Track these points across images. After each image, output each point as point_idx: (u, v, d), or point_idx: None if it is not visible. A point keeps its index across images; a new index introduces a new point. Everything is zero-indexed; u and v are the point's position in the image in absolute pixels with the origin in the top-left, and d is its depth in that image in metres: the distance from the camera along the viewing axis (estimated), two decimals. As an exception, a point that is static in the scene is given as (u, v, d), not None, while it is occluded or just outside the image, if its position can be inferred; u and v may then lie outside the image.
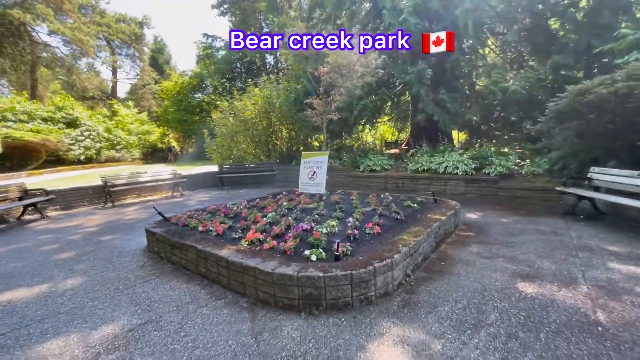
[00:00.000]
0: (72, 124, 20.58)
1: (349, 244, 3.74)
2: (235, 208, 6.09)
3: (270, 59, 32.12)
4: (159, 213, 5.53)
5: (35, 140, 16.35)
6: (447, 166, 9.40)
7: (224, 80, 32.18)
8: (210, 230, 4.57)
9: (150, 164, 26.88)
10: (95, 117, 23.88)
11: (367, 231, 4.22)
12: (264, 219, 4.95)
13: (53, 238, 6.01)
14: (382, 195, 6.90)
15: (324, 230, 4.22)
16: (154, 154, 31.42)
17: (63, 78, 29.24)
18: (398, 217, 4.88)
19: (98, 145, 22.45)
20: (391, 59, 11.70)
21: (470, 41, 11.85)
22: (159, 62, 44.70)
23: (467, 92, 12.05)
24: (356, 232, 4.12)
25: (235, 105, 14.15)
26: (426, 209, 5.55)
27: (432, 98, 10.80)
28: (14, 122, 17.60)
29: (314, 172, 6.01)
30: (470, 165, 9.11)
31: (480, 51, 12.44)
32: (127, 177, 9.90)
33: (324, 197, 6.81)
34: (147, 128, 30.40)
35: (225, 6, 30.01)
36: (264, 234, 4.27)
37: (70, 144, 19.40)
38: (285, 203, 6.01)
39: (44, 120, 19.17)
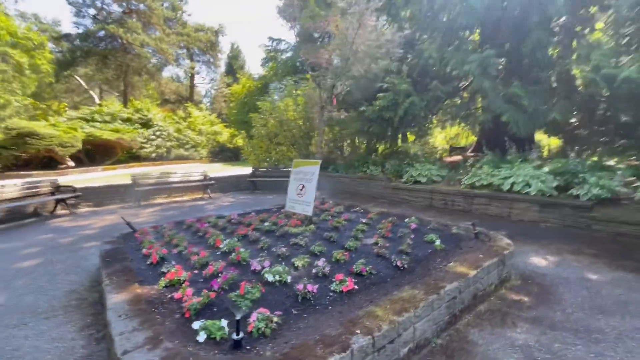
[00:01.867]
0: (146, 124, 22.83)
1: (284, 312, 2.36)
2: (219, 222, 5.13)
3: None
4: (128, 224, 4.87)
5: (111, 139, 18.35)
6: (514, 182, 7.03)
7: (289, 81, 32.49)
8: (148, 256, 3.64)
9: (217, 163, 28.42)
10: (168, 118, 26.20)
11: (334, 287, 2.76)
12: (222, 245, 3.83)
13: (48, 239, 5.88)
14: (406, 220, 5.22)
15: (271, 278, 2.90)
16: (221, 153, 33.37)
17: (148, 84, 33.08)
18: (398, 263, 3.26)
19: (168, 144, 24.48)
20: (448, 44, 9.54)
21: (564, 17, 8.99)
22: (234, 67, 47.91)
23: (554, 84, 9.17)
24: (315, 287, 2.70)
25: (278, 106, 13.52)
26: (455, 251, 3.75)
27: (501, 93, 8.39)
28: (100, 122, 20.10)
29: (303, 187, 4.68)
30: (549, 183, 6.62)
31: (578, 29, 9.38)
32: (156, 177, 9.90)
33: (327, 217, 5.41)
34: (216, 129, 32.42)
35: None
36: (193, 271, 3.15)
37: (142, 143, 21.48)
38: (267, 224, 4.81)
39: (124, 121, 21.61)
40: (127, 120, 21.86)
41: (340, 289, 2.72)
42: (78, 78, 33.60)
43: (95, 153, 19.10)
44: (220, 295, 2.69)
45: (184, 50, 35.05)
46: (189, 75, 37.47)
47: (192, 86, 37.87)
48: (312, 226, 4.60)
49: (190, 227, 5.02)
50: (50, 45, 29.66)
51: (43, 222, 7.32)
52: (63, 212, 8.31)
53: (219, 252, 3.78)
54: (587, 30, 9.74)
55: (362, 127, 11.11)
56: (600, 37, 9.97)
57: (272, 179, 11.90)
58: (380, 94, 9.83)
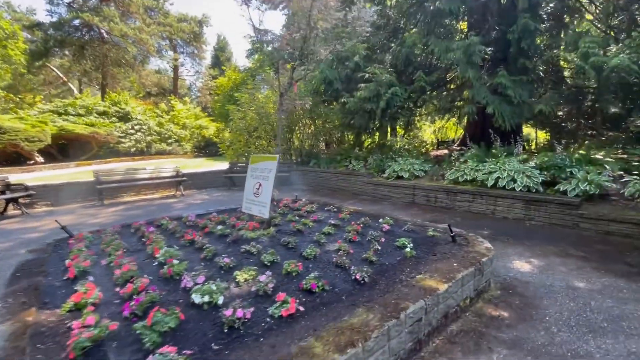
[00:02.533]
0: (124, 118, 21.82)
1: (200, 349, 1.84)
2: (170, 225, 4.57)
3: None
4: (63, 228, 4.28)
5: (85, 133, 17.41)
6: (499, 177, 6.63)
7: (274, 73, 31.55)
8: (67, 270, 3.07)
9: (201, 158, 27.56)
10: (149, 111, 25.17)
11: (272, 310, 2.26)
12: (159, 255, 3.28)
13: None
14: (380, 220, 4.74)
15: (199, 299, 2.38)
16: (207, 148, 32.41)
17: (127, 76, 31.79)
18: (357, 276, 2.77)
19: (148, 138, 23.51)
20: (429, 33, 9.03)
21: (552, 4, 8.58)
22: (220, 59, 46.59)
23: (542, 74, 8.78)
24: (248, 311, 2.20)
25: (257, 98, 12.86)
26: (427, 259, 3.29)
27: (487, 83, 7.95)
28: (74, 115, 19.09)
29: (260, 185, 4.14)
30: (535, 178, 6.23)
31: (567, 19, 8.99)
32: (122, 173, 9.22)
33: (294, 217, 4.89)
34: (201, 123, 31.42)
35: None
36: (114, 289, 2.61)
37: (120, 137, 20.51)
38: (220, 227, 4.27)
39: (100, 114, 20.59)
40: (103, 113, 20.83)
41: (280, 313, 2.21)
42: (55, 69, 32.12)
43: (69, 148, 18.14)
44: (132, 323, 2.16)
45: (167, 42, 33.73)
46: (172, 67, 36.19)
47: (175, 79, 36.62)
48: (270, 230, 4.07)
49: (137, 231, 4.45)
50: (25, 35, 28.19)
51: (-12, 225, 6.64)
52: (15, 212, 7.61)
53: (155, 263, 3.25)
54: (576, 21, 9.37)
55: (344, 120, 10.61)
56: (590, 27, 9.63)
57: (251, 174, 11.30)
58: (362, 85, 9.31)
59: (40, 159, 15.66)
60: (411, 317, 2.28)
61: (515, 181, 6.39)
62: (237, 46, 77.36)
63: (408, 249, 3.40)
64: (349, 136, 13.44)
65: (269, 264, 3.11)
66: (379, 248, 3.52)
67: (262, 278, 2.63)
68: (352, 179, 9.72)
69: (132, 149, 21.92)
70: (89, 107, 20.27)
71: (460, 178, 7.36)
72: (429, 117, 15.90)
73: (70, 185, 8.91)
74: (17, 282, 2.90)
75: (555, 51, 9.17)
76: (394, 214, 6.54)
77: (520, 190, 6.24)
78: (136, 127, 22.29)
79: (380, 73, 9.12)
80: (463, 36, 9.73)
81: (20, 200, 7.67)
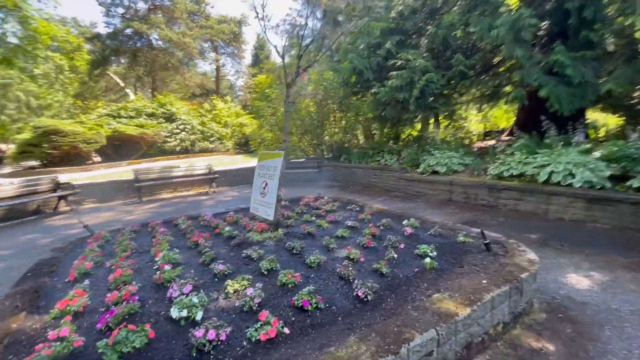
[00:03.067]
0: (170, 118, 23.18)
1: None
2: (182, 225, 4.52)
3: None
4: (85, 227, 4.41)
5: (134, 134, 18.77)
6: (553, 171, 5.67)
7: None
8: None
9: (241, 154, 28.45)
10: (193, 111, 26.47)
11: (251, 332, 1.96)
12: (158, 259, 3.17)
13: (28, 240, 5.69)
14: (404, 222, 4.22)
15: (176, 314, 2.17)
16: (247, 145, 33.43)
17: (173, 79, 33.78)
18: (359, 292, 2.37)
19: (192, 137, 24.77)
20: (470, 10, 8.03)
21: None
22: (259, 57, 47.68)
23: (611, 48, 7.38)
24: (224, 332, 1.93)
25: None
26: (451, 272, 2.77)
27: (540, 62, 6.87)
28: (126, 118, 20.69)
29: (266, 184, 3.87)
30: (600, 172, 5.21)
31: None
32: (158, 172, 9.64)
33: (310, 217, 4.58)
34: (242, 120, 32.43)
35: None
36: (105, 295, 2.50)
37: (166, 137, 21.86)
38: (228, 228, 4.08)
39: (148, 116, 22.10)
40: (152, 115, 22.33)
41: (258, 337, 1.91)
42: (114, 76, 35.22)
43: (122, 148, 19.72)
44: (106, 337, 2.01)
45: (208, 44, 35.21)
46: (215, 68, 37.75)
47: (217, 79, 38.18)
48: (278, 232, 3.79)
49: (152, 231, 4.45)
50: (88, 46, 31.26)
51: (40, 221, 7.27)
52: (65, 209, 8.28)
53: (155, 267, 3.14)
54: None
55: (376, 112, 10.01)
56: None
57: (286, 170, 11.18)
58: (393, 73, 8.63)
59: (97, 158, 17.18)
60: (417, 351, 1.83)
61: (573, 176, 5.40)
62: (277, 43, 78.45)
63: (428, 259, 2.90)
64: (386, 129, 12.74)
65: (266, 272, 2.83)
66: (395, 256, 3.07)
67: (250, 291, 2.35)
68: (384, 175, 9.13)
69: (178, 148, 23.26)
70: (139, 109, 21.83)
71: (505, 172, 6.46)
72: (475, 106, 14.56)
73: (113, 184, 9.52)
74: (25, 282, 2.95)
75: (629, 19, 7.65)
76: (426, 214, 5.96)
77: (581, 186, 5.26)
78: (181, 127, 23.57)
79: (414, 59, 8.37)
80: (511, 12, 8.56)
81: (70, 198, 8.34)
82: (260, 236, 3.70)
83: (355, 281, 2.51)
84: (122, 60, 32.25)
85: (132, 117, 21.03)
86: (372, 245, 3.43)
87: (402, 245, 3.40)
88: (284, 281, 2.58)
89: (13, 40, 29.96)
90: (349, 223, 4.23)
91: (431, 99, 8.88)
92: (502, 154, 7.34)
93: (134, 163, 18.69)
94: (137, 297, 2.36)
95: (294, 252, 3.29)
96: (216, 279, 2.79)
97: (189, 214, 5.66)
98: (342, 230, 3.87)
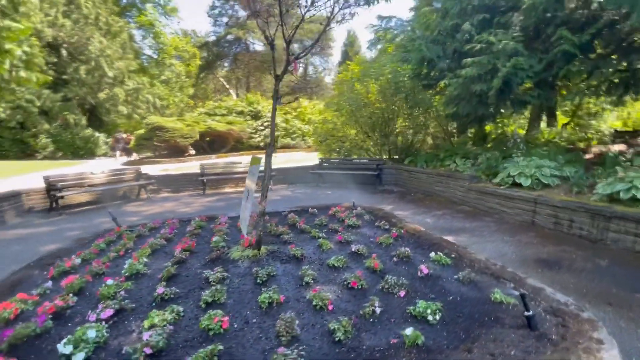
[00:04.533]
0: (256, 116, 24.90)
1: None
2: (191, 227, 4.42)
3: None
4: (113, 219, 4.71)
5: (223, 130, 20.74)
6: None
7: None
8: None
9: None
10: (277, 109, 27.92)
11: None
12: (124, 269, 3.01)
13: (97, 224, 6.50)
14: (431, 255, 3.21)
15: (66, 351, 1.86)
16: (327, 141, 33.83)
17: (265, 79, 36.31)
18: (272, 371, 1.66)
19: (275, 133, 26.16)
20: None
21: None
22: (349, 55, 47.56)
23: None
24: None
25: (356, 89, 11.95)
26: (447, 356, 1.77)
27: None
28: (219, 115, 23.10)
29: (248, 194, 3.34)
30: None
31: None
32: (222, 167, 10.21)
33: (318, 233, 3.90)
34: (324, 117, 32.95)
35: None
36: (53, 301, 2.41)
37: (251, 133, 23.58)
38: (217, 238, 3.71)
39: (238, 113, 24.19)
40: (240, 113, 24.38)
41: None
42: (221, 79, 40.05)
43: (214, 143, 22.10)
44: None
45: (297, 44, 36.71)
46: (302, 67, 39.22)
47: (305, 77, 39.57)
48: (260, 251, 3.25)
49: (163, 229, 4.46)
50: (205, 54, 36.31)
51: (121, 206, 8.41)
52: (144, 196, 9.44)
53: (128, 273, 2.98)
54: None
55: (448, 108, 8.45)
56: None
57: (341, 171, 10.59)
58: (468, 60, 7.04)
59: (192, 151, 19.61)
60: None
61: None
62: (366, 39, 77.14)
63: (411, 332, 1.93)
64: (472, 129, 10.76)
65: (204, 306, 2.34)
66: (377, 311, 2.19)
67: (147, 335, 1.88)
68: (451, 183, 7.62)
69: (261, 144, 24.87)
70: (230, 108, 24.11)
71: (623, 194, 4.46)
72: (607, 99, 11.08)
73: (186, 176, 10.49)
74: (22, 270, 3.15)
75: None
76: (488, 241, 4.63)
77: None
78: (265, 124, 25.11)
79: (498, 40, 6.62)
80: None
81: (150, 187, 9.48)
82: (240, 253, 3.24)
83: (281, 350, 1.79)
84: (225, 64, 36.31)
85: (224, 115, 23.35)
86: (359, 287, 2.59)
87: (401, 293, 2.47)
88: (205, 325, 2.04)
89: (148, 52, 36.57)
90: (357, 247, 3.40)
91: (519, 90, 6.95)
92: (624, 165, 5.18)
93: (222, 156, 20.70)
94: (44, 318, 2.15)
95: (258, 281, 2.70)
96: (153, 304, 2.43)
97: (225, 212, 5.62)
98: (339, 258, 3.09)
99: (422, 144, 11.49)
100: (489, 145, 9.80)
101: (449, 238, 4.80)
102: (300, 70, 41.87)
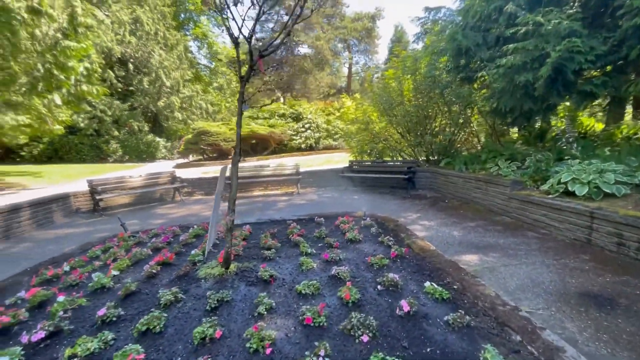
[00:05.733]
0: (297, 118, 25.09)
1: None
2: (184, 236, 4.35)
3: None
4: (122, 225, 4.85)
5: (264, 133, 21.22)
6: None
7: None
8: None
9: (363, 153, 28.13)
10: (318, 111, 27.84)
11: None
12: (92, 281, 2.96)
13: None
14: (426, 285, 2.67)
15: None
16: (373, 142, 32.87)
17: (306, 80, 36.52)
18: None
19: (317, 135, 26.10)
20: None
21: None
22: (397, 50, 45.84)
23: None
24: None
25: (390, 86, 11.21)
26: None
27: None
28: (261, 119, 23.76)
29: (215, 206, 3.07)
30: None
31: None
32: (250, 170, 10.29)
33: (312, 249, 3.54)
34: (368, 118, 32.11)
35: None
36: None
37: (292, 135, 23.81)
38: (196, 251, 3.52)
39: (280, 116, 24.62)
40: (282, 115, 24.79)
41: None
42: (268, 83, 41.38)
43: (256, 145, 22.78)
44: None
45: (341, 44, 36.28)
46: (347, 66, 38.68)
47: (349, 77, 38.99)
48: (229, 269, 2.96)
49: (156, 237, 4.44)
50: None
51: (154, 207, 8.89)
52: (178, 199, 9.91)
53: (92, 288, 2.93)
54: None
55: (491, 103, 7.39)
56: None
57: (371, 174, 10.00)
58: (510, 46, 6.02)
59: (235, 154, 20.39)
60: None
61: None
62: (414, 33, 73.63)
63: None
64: (527, 128, 9.34)
65: (136, 335, 2.12)
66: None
67: (46, 372, 1.70)
68: (490, 189, 6.61)
69: (302, 145, 25.01)
70: (272, 111, 24.64)
71: None
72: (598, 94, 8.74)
73: (214, 179, 10.79)
74: (19, 275, 3.31)
75: None
76: (516, 264, 3.80)
77: None
78: (306, 126, 25.21)
79: (547, 21, 5.54)
80: None
81: (183, 190, 9.93)
82: (208, 270, 3.00)
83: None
84: (271, 68, 37.40)
85: (266, 118, 23.94)
86: (316, 324, 2.16)
87: (364, 338, 1.99)
88: (119, 363, 1.81)
89: (203, 61, 39.19)
90: (338, 270, 2.94)
91: (577, 78, 5.74)
92: None
93: (262, 159, 21.23)
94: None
95: (209, 307, 2.42)
96: (95, 327, 2.29)
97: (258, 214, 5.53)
98: (310, 284, 2.68)
99: (464, 144, 10.35)
100: (547, 145, 8.40)
101: (471, 258, 4.08)
102: (345, 70, 41.39)
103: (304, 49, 35.53)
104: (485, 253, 4.32)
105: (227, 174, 3.24)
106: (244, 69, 3.29)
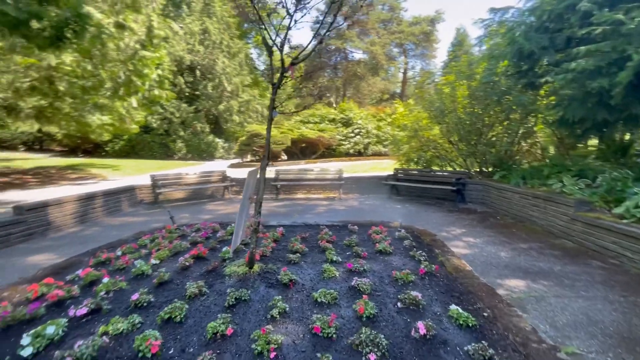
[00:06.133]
0: (347, 123, 25.10)
1: None
2: (220, 232, 4.61)
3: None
4: (171, 218, 5.31)
5: (313, 137, 21.62)
6: None
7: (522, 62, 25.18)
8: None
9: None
10: (369, 117, 27.53)
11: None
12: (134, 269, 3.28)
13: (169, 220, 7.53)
14: (451, 309, 2.51)
15: (26, 342, 2.09)
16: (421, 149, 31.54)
17: (359, 85, 36.27)
18: None
19: (366, 140, 25.84)
20: None
21: None
22: (457, 55, 43.54)
23: None
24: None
25: (442, 91, 10.67)
26: None
27: None
28: (312, 123, 24.25)
29: (243, 208, 3.19)
30: None
31: None
32: (294, 173, 10.54)
33: (330, 256, 3.53)
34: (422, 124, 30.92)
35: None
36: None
37: (341, 140, 23.87)
38: (226, 248, 3.69)
39: (330, 121, 24.87)
40: (332, 120, 25.01)
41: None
42: (322, 88, 42.18)
43: (305, 149, 23.32)
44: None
45: (397, 48, 35.49)
46: (402, 72, 37.69)
47: (404, 82, 37.93)
48: (253, 269, 3.05)
49: (198, 231, 4.76)
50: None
51: (205, 204, 9.57)
52: (227, 197, 10.54)
53: (134, 274, 3.24)
54: None
55: (558, 111, 6.62)
56: None
57: (417, 184, 9.58)
58: (582, 48, 5.33)
59: (284, 157, 21.10)
60: None
61: None
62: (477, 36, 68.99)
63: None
64: (605, 140, 8.18)
65: (159, 322, 2.30)
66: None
67: (76, 346, 1.92)
68: (550, 208, 5.88)
69: (351, 150, 24.94)
70: (323, 116, 25.01)
71: None
72: None
73: (264, 181, 11.23)
74: (81, 255, 3.81)
75: None
76: (571, 297, 3.41)
77: None
78: (356, 131, 25.11)
79: (630, 19, 4.80)
80: None
81: (233, 189, 10.54)
82: (234, 268, 3.13)
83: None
84: (325, 74, 38.06)
85: (316, 123, 24.38)
86: (324, 335, 2.12)
87: (371, 357, 1.91)
88: (137, 345, 1.97)
89: (262, 67, 41.15)
90: (359, 281, 2.86)
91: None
92: None
93: (310, 162, 21.63)
94: (38, 305, 2.45)
95: (226, 305, 2.52)
96: (128, 309, 2.53)
97: (279, 220, 5.74)
98: (329, 292, 2.65)
99: (524, 156, 9.39)
100: (630, 160, 7.26)
101: (516, 284, 3.69)
102: (400, 75, 40.39)
103: (358, 54, 35.52)
104: (535, 280, 3.85)
105: (257, 175, 3.36)
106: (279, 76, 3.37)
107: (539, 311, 3.13)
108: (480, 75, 8.84)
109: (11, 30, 5.64)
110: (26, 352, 1.97)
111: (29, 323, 2.35)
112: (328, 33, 3.23)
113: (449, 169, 10.45)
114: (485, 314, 2.41)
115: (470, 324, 2.26)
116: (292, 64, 3.15)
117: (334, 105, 40.74)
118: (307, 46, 3.34)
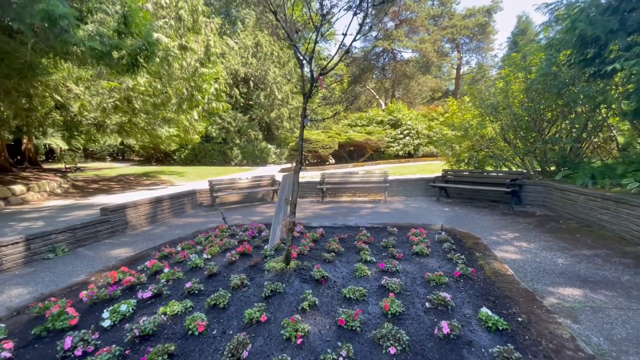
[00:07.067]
0: (395, 124, 24.54)
1: None
2: (264, 232, 4.97)
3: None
4: (223, 218, 5.85)
5: (360, 140, 21.58)
6: None
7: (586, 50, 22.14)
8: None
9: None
10: (419, 117, 26.60)
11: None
12: (189, 262, 3.75)
13: (219, 221, 8.20)
14: (481, 311, 2.48)
15: (105, 315, 2.59)
16: (485, 149, 29.49)
17: (409, 84, 35.08)
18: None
19: (416, 142, 25.01)
20: None
21: None
22: (519, 45, 40.03)
23: None
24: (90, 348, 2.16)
25: (497, 86, 10.00)
26: None
27: None
28: (359, 126, 24.25)
29: (280, 209, 3.44)
30: None
31: None
32: (339, 176, 10.73)
33: (366, 256, 3.64)
34: (468, 123, 29.04)
35: None
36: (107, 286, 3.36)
37: (389, 142, 23.42)
38: (267, 246, 3.99)
39: (377, 123, 24.58)
40: (380, 122, 24.70)
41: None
42: (371, 90, 42.02)
43: (353, 152, 23.38)
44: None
45: (449, 44, 33.73)
46: (455, 68, 35.68)
47: (457, 79, 35.83)
48: (285, 265, 3.28)
49: (246, 231, 5.18)
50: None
51: (256, 206, 10.23)
52: (275, 200, 11.10)
53: (189, 266, 3.71)
54: None
55: (629, 101, 5.84)
56: None
57: (467, 186, 9.10)
58: None
59: (332, 160, 21.41)
60: None
61: None
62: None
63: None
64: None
65: (206, 307, 2.64)
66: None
67: (142, 320, 2.33)
68: (622, 211, 5.19)
69: (400, 152, 24.35)
70: (370, 118, 24.85)
71: None
72: None
73: (310, 184, 11.61)
74: (151, 249, 4.44)
75: None
76: (635, 310, 3.00)
77: None
78: (405, 132, 24.46)
79: None
80: None
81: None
82: (273, 264, 3.41)
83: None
84: (373, 76, 37.75)
85: (364, 125, 24.31)
86: (348, 327, 2.26)
87: (391, 350, 2.01)
88: (187, 324, 2.32)
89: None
90: (389, 280, 2.93)
91: None
92: None
93: (358, 165, 21.64)
94: (115, 288, 2.97)
95: (263, 295, 2.79)
96: (183, 295, 2.94)
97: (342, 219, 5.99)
98: (358, 289, 2.77)
99: (595, 153, 8.36)
100: None
101: (570, 292, 3.42)
102: (453, 71, 38.27)
103: (407, 54, 34.60)
104: (594, 289, 3.50)
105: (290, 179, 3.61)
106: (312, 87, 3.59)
107: (594, 322, 2.86)
108: (538, 66, 8.13)
109: (98, 60, 6.79)
110: (106, 323, 2.45)
111: (108, 302, 2.87)
112: (353, 44, 3.35)
113: (504, 169, 9.73)
114: (519, 319, 2.33)
115: (500, 327, 2.21)
116: (321, 74, 3.34)
117: (383, 106, 40.15)
118: (333, 57, 3.49)
